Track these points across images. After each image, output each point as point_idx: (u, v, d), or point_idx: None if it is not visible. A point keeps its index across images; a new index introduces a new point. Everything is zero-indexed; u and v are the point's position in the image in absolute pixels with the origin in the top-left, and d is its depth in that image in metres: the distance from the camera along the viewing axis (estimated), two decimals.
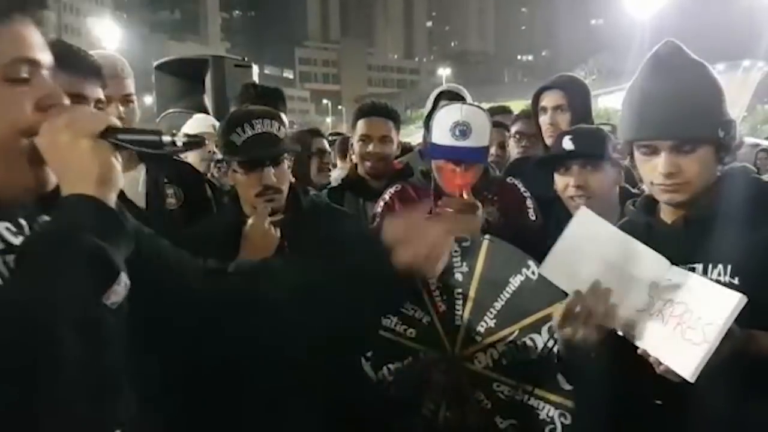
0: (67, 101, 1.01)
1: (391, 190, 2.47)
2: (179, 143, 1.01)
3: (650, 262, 1.47)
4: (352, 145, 2.89)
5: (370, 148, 2.79)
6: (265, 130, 1.93)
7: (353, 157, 2.91)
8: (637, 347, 1.43)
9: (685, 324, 1.34)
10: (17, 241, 1.02)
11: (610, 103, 23.42)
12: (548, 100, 2.80)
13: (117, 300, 0.90)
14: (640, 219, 1.64)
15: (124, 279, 0.91)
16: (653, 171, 1.51)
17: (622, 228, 1.71)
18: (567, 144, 2.07)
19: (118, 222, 0.96)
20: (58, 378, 0.81)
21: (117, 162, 0.98)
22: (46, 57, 1.00)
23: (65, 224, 0.91)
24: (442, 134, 2.29)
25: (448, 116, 2.30)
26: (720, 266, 1.46)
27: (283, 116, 2.50)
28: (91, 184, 0.94)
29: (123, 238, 0.96)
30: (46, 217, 1.06)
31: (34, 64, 0.97)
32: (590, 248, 1.57)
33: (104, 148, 0.97)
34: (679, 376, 1.32)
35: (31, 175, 0.99)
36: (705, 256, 1.48)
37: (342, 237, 1.98)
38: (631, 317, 1.46)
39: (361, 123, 2.85)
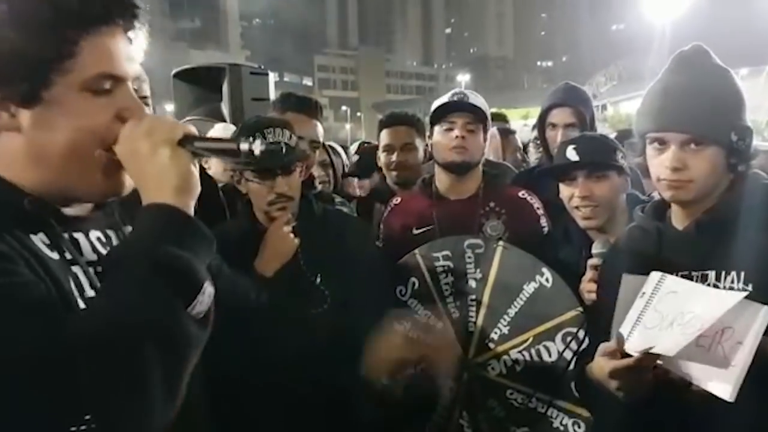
0: (148, 112, 1.01)
1: (393, 202, 2.49)
2: (257, 152, 0.98)
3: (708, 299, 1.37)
4: (379, 157, 2.91)
5: (394, 157, 2.81)
6: (276, 140, 1.95)
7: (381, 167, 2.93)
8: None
9: (721, 342, 1.28)
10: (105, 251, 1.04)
11: (631, 108, 23.19)
12: (560, 117, 2.80)
13: (202, 309, 0.89)
14: (649, 225, 1.62)
15: (208, 289, 0.91)
16: (661, 166, 1.50)
17: (631, 233, 1.69)
18: (571, 154, 2.03)
19: (199, 230, 0.95)
20: (142, 388, 0.82)
21: (195, 170, 0.98)
22: (131, 69, 1.00)
23: (146, 235, 0.91)
24: (440, 101, 2.35)
25: (447, 94, 2.38)
26: (733, 273, 1.44)
27: (319, 126, 2.52)
28: (170, 192, 0.93)
29: (204, 246, 0.95)
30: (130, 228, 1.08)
31: (117, 78, 0.98)
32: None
33: (183, 156, 0.96)
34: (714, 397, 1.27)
35: (106, 183, 1.00)
36: (718, 262, 1.46)
37: (352, 243, 2.01)
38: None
39: (383, 134, 2.87)
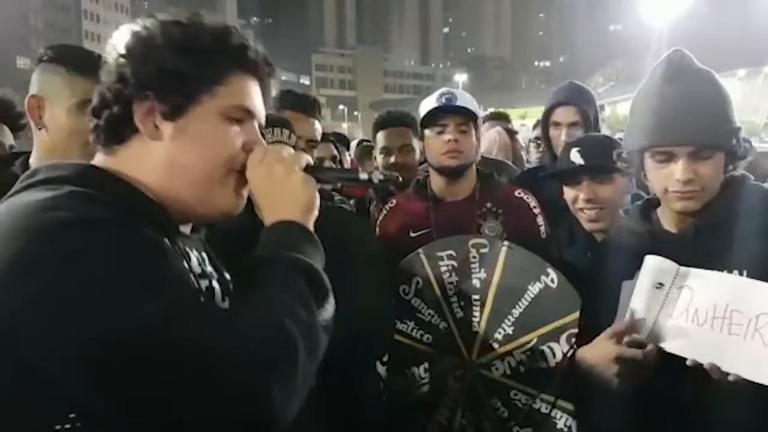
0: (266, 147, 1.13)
1: (388, 204, 2.46)
2: (375, 181, 1.14)
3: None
4: (375, 157, 2.90)
5: (392, 159, 2.79)
6: (276, 139, 1.93)
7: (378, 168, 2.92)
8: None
9: (758, 329, 1.28)
10: (209, 268, 1.13)
11: (629, 109, 23.26)
12: (563, 116, 2.78)
13: (327, 318, 0.98)
14: (640, 228, 1.61)
15: (331, 299, 1.01)
16: (668, 178, 1.49)
17: (620, 235, 1.68)
18: (575, 157, 2.02)
19: (320, 247, 1.08)
20: (295, 378, 0.90)
21: (317, 195, 1.12)
22: (260, 111, 1.12)
23: (289, 246, 1.03)
24: (428, 103, 2.30)
25: (433, 94, 2.33)
26: (735, 273, 1.44)
27: (317, 124, 2.50)
28: (299, 211, 1.08)
29: (322, 261, 1.07)
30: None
31: (248, 112, 1.10)
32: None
33: (311, 181, 1.11)
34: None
35: (228, 200, 1.09)
36: (719, 263, 1.45)
37: (352, 239, 1.98)
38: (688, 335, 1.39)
39: (380, 136, 2.85)
